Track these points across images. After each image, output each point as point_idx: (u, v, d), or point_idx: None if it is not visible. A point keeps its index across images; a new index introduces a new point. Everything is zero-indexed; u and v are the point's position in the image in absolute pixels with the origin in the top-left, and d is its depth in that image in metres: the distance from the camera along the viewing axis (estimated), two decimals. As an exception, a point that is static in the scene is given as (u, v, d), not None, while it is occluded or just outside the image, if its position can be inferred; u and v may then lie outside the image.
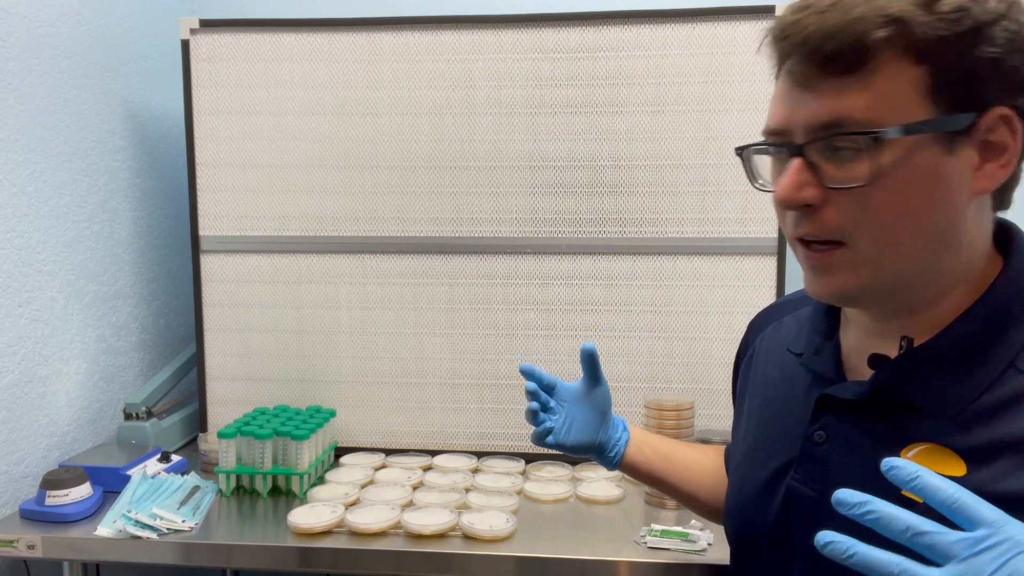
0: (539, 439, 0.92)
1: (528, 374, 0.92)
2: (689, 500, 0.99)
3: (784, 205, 0.62)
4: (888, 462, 0.49)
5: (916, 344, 0.64)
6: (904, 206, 0.59)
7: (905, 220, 0.59)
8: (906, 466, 0.48)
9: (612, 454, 0.95)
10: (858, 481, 0.64)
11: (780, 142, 0.63)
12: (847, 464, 0.66)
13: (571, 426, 0.93)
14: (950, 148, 0.58)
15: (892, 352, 0.64)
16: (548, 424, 0.91)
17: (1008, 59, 0.57)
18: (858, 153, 0.58)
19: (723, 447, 1.00)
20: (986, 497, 0.56)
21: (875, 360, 0.65)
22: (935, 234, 0.60)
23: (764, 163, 0.67)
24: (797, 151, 0.61)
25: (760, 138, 0.66)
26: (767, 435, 0.77)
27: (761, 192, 0.68)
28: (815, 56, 0.58)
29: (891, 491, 0.61)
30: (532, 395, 0.91)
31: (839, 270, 0.62)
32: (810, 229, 0.62)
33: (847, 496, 0.49)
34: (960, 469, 0.59)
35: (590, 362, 0.92)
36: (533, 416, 0.91)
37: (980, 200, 0.61)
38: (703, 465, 0.98)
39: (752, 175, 0.68)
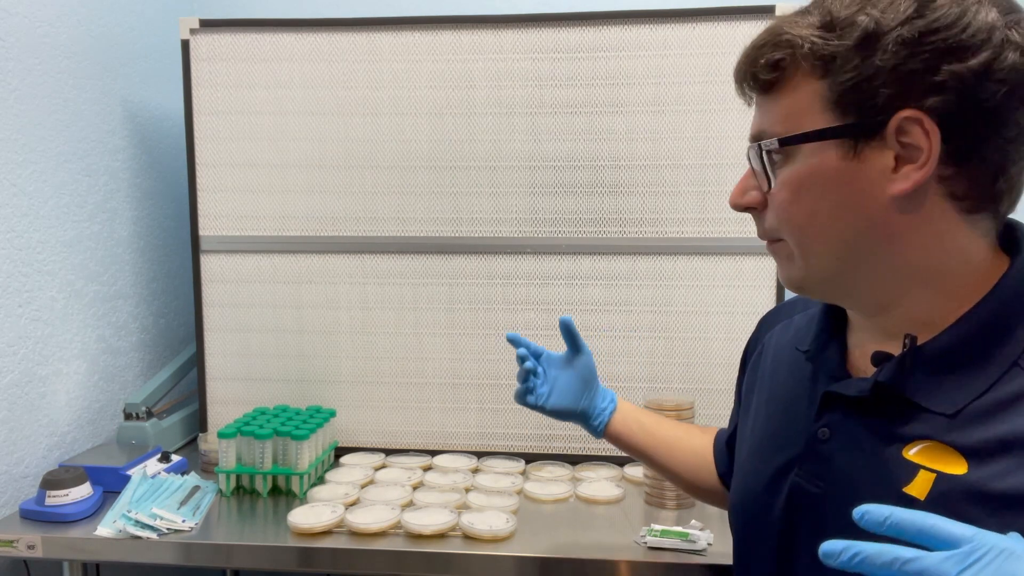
0: (520, 398, 1.02)
1: (515, 342, 1.03)
2: (671, 475, 1.05)
3: (733, 207, 0.71)
4: (859, 510, 0.50)
5: (920, 342, 0.64)
6: (808, 207, 0.64)
7: (813, 219, 0.65)
8: (876, 510, 0.49)
9: (596, 422, 1.03)
10: (861, 478, 0.65)
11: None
12: (851, 461, 0.66)
13: (552, 390, 1.02)
14: (854, 153, 0.61)
15: (897, 350, 0.65)
16: (530, 383, 1.01)
17: (906, 64, 0.58)
18: (768, 161, 0.66)
19: (714, 429, 1.04)
20: (987, 495, 0.57)
21: (878, 357, 0.66)
22: (853, 233, 0.63)
23: None
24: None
25: None
26: (773, 431, 0.77)
27: None
28: (746, 83, 0.68)
29: (893, 487, 0.61)
30: (522, 359, 1.01)
31: (784, 261, 0.69)
32: (759, 229, 0.71)
33: (831, 548, 0.49)
34: (961, 467, 0.59)
35: (568, 333, 1.02)
36: (527, 376, 1.01)
37: (920, 201, 0.61)
38: (686, 444, 1.03)
39: None
